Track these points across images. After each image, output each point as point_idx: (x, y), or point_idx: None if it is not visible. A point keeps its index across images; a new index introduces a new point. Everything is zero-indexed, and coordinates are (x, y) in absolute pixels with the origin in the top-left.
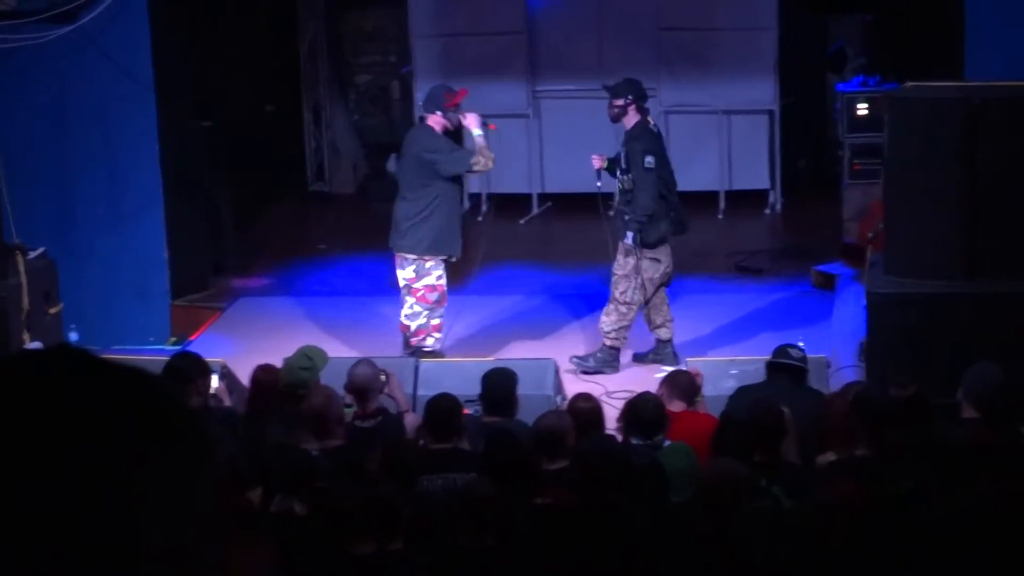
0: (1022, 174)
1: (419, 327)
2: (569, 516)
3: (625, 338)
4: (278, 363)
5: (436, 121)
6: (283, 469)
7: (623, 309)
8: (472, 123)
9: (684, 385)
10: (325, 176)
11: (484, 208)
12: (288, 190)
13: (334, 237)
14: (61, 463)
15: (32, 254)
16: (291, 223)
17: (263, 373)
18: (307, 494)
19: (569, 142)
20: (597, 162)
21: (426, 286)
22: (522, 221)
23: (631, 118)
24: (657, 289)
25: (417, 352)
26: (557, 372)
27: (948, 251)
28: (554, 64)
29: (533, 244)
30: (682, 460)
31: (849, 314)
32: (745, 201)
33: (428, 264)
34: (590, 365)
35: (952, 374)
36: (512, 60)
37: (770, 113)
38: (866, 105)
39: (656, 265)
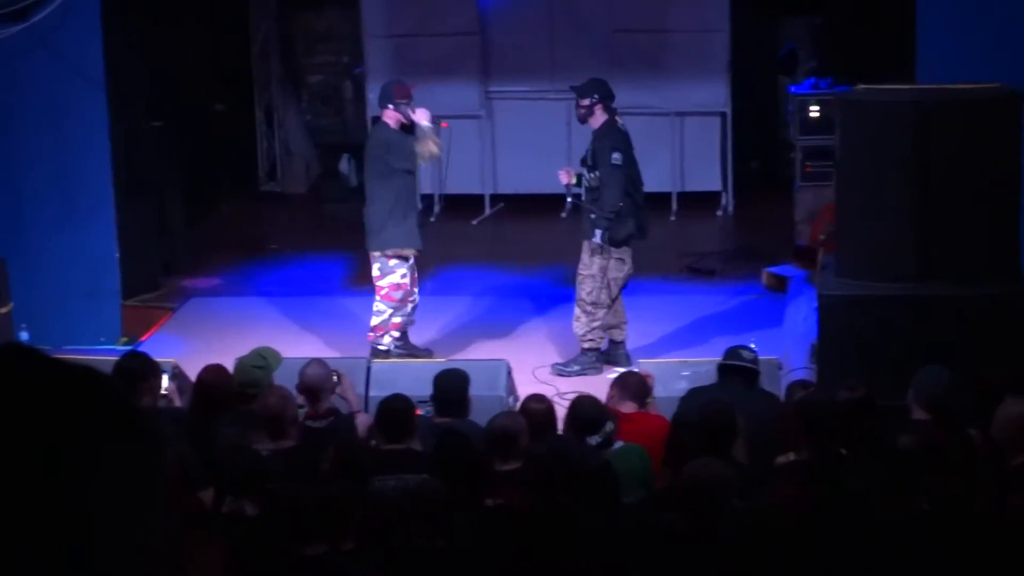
0: (973, 177)
1: (379, 323)
2: (520, 517)
3: (601, 337)
4: (229, 363)
5: (390, 116)
6: (234, 469)
7: (590, 310)
8: (422, 117)
9: (635, 386)
10: (277, 176)
11: (436, 209)
12: (240, 190)
13: (286, 237)
14: (11, 462)
15: None
16: (243, 223)
17: (208, 374)
18: (258, 494)
19: (521, 143)
20: (565, 178)
21: (391, 284)
22: (474, 222)
23: (598, 118)
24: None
25: (373, 351)
26: (509, 373)
27: (899, 254)
28: (507, 65)
29: (485, 245)
30: (635, 462)
31: (801, 316)
32: (697, 203)
33: (392, 262)
34: (574, 370)
35: (903, 376)
36: (465, 61)
37: (722, 115)
38: (818, 107)
39: (621, 265)
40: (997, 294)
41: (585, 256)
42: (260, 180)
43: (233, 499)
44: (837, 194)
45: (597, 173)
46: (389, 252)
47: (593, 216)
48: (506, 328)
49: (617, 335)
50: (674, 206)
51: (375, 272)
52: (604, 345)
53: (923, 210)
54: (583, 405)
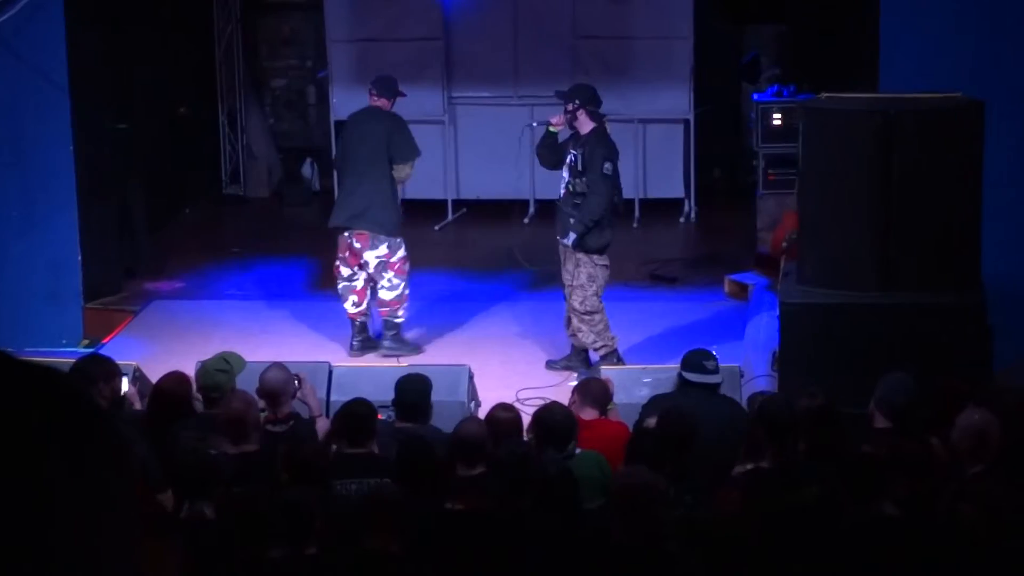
0: (935, 185)
1: (394, 298)
2: (480, 522)
3: (612, 337)
4: (191, 366)
5: (385, 106)
6: (193, 473)
7: (587, 318)
8: None
9: (596, 393)
10: (240, 180)
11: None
12: (202, 193)
13: (248, 241)
14: None
15: None
16: (205, 226)
17: (167, 381)
18: (218, 498)
19: (484, 149)
20: (556, 120)
21: (400, 258)
22: (437, 227)
23: (584, 123)
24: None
25: (388, 324)
26: (471, 378)
27: (861, 262)
28: (470, 71)
29: (447, 250)
30: (593, 469)
31: (762, 323)
32: (660, 210)
33: (398, 239)
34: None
35: (865, 384)
36: (428, 66)
37: (685, 122)
38: (780, 115)
39: (605, 271)
40: (958, 302)
41: (570, 266)
42: (223, 183)
43: (192, 503)
44: (799, 202)
45: (585, 179)
46: (396, 232)
47: (572, 220)
48: (467, 333)
49: (576, 343)
50: (636, 213)
51: (382, 251)
52: (614, 340)
53: (885, 218)
54: (554, 416)
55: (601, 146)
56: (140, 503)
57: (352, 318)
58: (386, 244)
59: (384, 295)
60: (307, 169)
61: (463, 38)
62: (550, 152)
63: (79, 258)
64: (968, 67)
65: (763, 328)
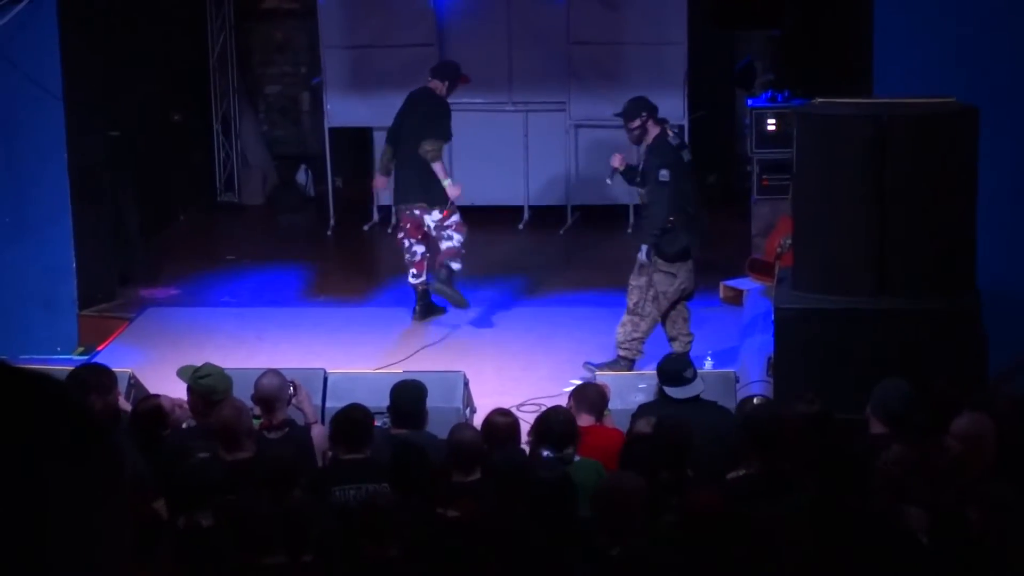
0: (929, 191)
1: (453, 248)
2: (475, 529)
3: (640, 351)
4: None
5: (437, 88)
6: (186, 480)
7: (635, 319)
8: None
9: (593, 399)
10: (234, 187)
11: (393, 220)
12: (197, 200)
13: (243, 248)
14: None
15: None
16: (200, 233)
17: (141, 406)
18: (213, 506)
19: (479, 155)
20: (617, 160)
21: (455, 220)
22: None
23: (651, 133)
24: (674, 304)
25: (445, 268)
26: (467, 385)
27: (855, 267)
28: None
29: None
30: (591, 476)
31: (757, 329)
32: None
33: (448, 204)
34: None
35: (860, 390)
36: (422, 72)
37: (680, 128)
38: (774, 121)
39: (670, 279)
40: (953, 307)
41: (636, 267)
42: (217, 191)
43: (188, 510)
44: (793, 207)
45: (646, 189)
46: (442, 201)
47: (642, 231)
48: (463, 339)
49: (677, 347)
50: (631, 219)
51: (436, 216)
52: (642, 351)
53: (879, 223)
54: (555, 420)
55: (656, 155)
56: (133, 511)
57: (413, 287)
58: (438, 209)
59: (444, 245)
60: (301, 176)
61: (457, 44)
62: (633, 181)
63: (73, 265)
64: (962, 72)
65: (758, 334)
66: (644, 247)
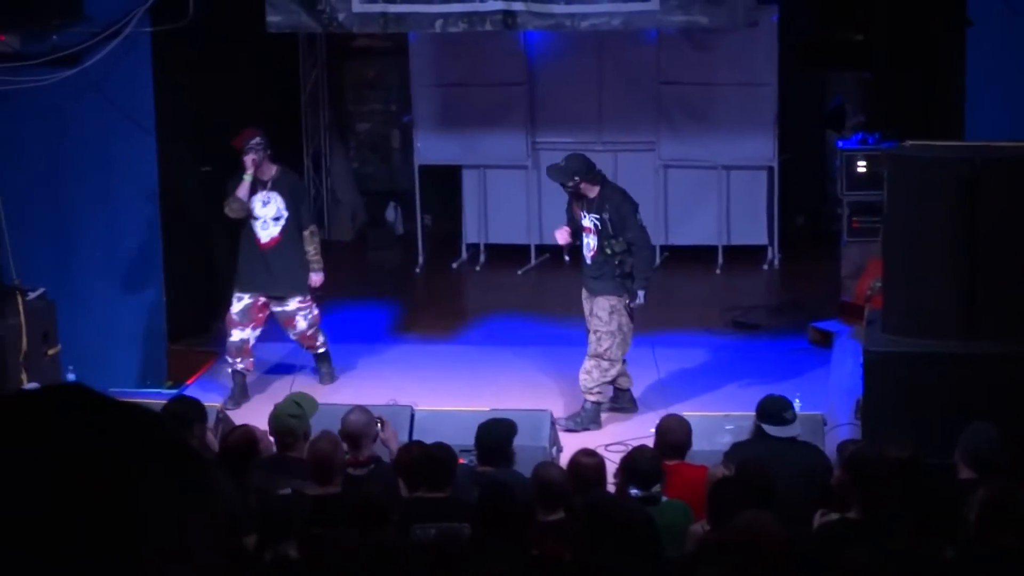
0: (1020, 235)
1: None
2: (562, 569)
3: (608, 391)
4: (271, 408)
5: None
6: (279, 515)
7: (605, 365)
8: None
9: (677, 437)
10: (324, 223)
11: (482, 258)
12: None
13: (331, 284)
14: (73, 497)
15: (31, 295)
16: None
17: (234, 438)
18: (301, 540)
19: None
20: (565, 236)
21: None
22: (520, 272)
23: (589, 189)
24: None
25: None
26: (553, 424)
27: (945, 311)
28: (554, 116)
29: (529, 295)
30: (679, 517)
31: (846, 371)
32: (743, 256)
33: None
34: (577, 424)
35: (948, 434)
36: (512, 111)
37: (769, 169)
38: (865, 163)
39: (630, 319)
40: None
41: (603, 313)
42: None
43: (277, 545)
44: (884, 250)
45: (622, 238)
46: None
47: (619, 279)
48: (549, 378)
49: (624, 383)
50: (719, 259)
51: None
52: (610, 393)
53: (969, 267)
54: (641, 458)
55: (625, 202)
56: (228, 545)
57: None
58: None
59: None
60: (391, 213)
61: (547, 83)
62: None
63: (164, 299)
64: None
65: (847, 376)
66: (641, 292)
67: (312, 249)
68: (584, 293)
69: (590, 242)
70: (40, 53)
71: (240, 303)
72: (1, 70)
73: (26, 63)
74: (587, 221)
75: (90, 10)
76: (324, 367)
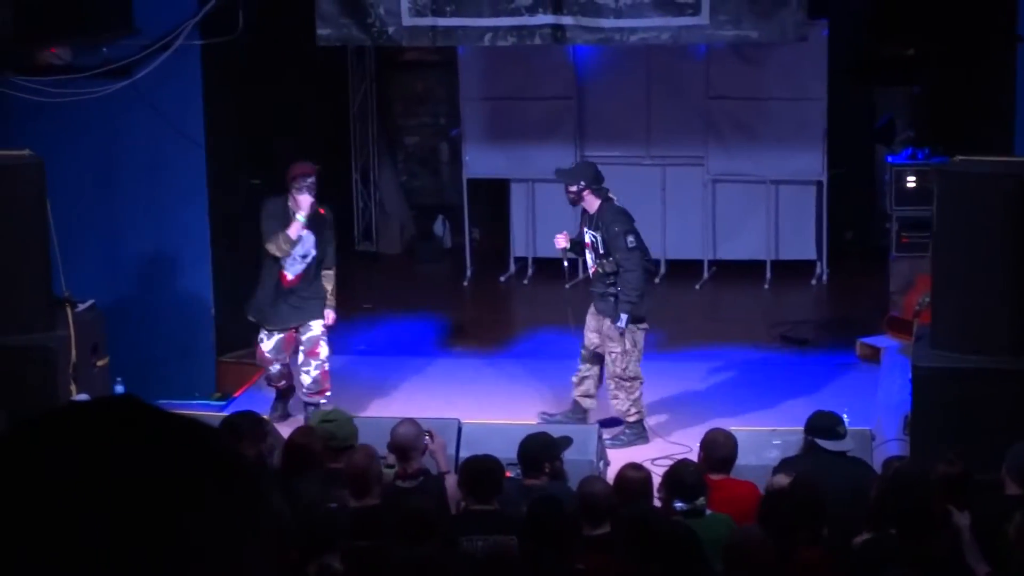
0: None
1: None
2: None
3: (643, 406)
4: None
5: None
6: (323, 527)
7: (627, 384)
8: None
9: (723, 449)
10: (372, 236)
11: (529, 272)
12: (335, 249)
13: (380, 297)
14: (127, 508)
15: (81, 306)
16: (337, 282)
17: (298, 435)
18: (345, 552)
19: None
20: (561, 241)
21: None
22: (568, 285)
23: (591, 202)
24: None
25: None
26: (600, 438)
27: (995, 326)
28: (602, 130)
29: (575, 308)
30: (723, 531)
31: (894, 387)
32: (791, 271)
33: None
34: (623, 442)
35: (997, 450)
36: (561, 125)
37: (818, 184)
38: (915, 178)
39: (643, 332)
40: None
41: (614, 334)
42: (355, 240)
43: (321, 557)
44: (933, 265)
45: (613, 258)
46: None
47: (613, 299)
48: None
49: (588, 404)
50: (768, 274)
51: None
52: (644, 412)
53: (1018, 282)
54: (685, 471)
55: (616, 222)
56: (279, 559)
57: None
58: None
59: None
60: (439, 226)
61: (596, 97)
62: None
63: (212, 311)
64: None
65: (895, 392)
66: (624, 316)
67: (330, 288)
68: (591, 308)
69: (589, 258)
70: (91, 66)
71: (271, 340)
72: (53, 82)
73: (77, 75)
74: (587, 236)
75: (140, 23)
76: (282, 405)
